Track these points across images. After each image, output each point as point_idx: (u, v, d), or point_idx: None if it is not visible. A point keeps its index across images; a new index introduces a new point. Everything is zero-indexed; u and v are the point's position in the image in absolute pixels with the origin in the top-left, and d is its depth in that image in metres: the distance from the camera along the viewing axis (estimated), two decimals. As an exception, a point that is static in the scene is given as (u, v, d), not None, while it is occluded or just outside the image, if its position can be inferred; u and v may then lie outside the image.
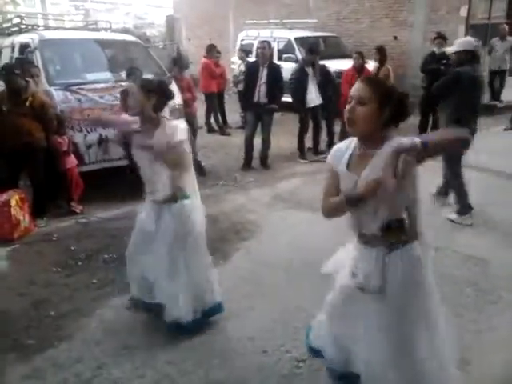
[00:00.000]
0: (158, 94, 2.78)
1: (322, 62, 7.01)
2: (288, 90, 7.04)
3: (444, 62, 7.42)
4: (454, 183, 4.77)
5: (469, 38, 5.12)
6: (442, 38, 7.67)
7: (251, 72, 6.58)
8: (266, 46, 6.45)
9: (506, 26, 10.02)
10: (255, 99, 6.40)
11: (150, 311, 3.04)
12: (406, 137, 1.78)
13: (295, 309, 3.20)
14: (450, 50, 4.96)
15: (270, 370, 2.67)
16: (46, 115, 4.70)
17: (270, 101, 6.39)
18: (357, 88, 1.86)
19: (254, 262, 3.83)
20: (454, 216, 4.64)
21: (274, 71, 6.42)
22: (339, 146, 2.06)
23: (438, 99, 5.40)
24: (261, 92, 6.36)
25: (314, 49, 6.86)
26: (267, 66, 6.40)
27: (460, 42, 4.70)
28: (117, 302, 3.32)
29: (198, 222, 2.87)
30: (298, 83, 6.78)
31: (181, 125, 2.80)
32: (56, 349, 2.85)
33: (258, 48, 6.79)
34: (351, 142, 2.00)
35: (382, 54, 7.22)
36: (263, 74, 6.35)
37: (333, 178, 2.03)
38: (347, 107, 1.87)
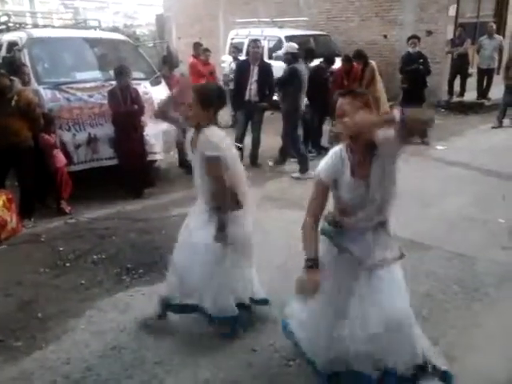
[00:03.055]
0: (217, 106, 2.71)
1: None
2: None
3: (421, 61, 7.50)
4: (294, 148, 6.19)
5: (291, 44, 6.48)
6: (415, 38, 7.74)
7: (242, 70, 6.58)
8: (257, 44, 6.47)
9: (494, 25, 10.12)
10: (246, 98, 6.39)
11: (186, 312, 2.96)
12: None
13: (285, 307, 3.21)
14: (279, 52, 6.67)
15: (258, 368, 2.67)
16: (33, 114, 4.62)
17: (260, 99, 6.39)
18: (341, 104, 2.02)
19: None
20: (297, 174, 6.00)
21: (265, 70, 6.42)
22: (330, 161, 2.12)
23: (282, 89, 6.35)
24: (252, 90, 6.36)
25: (311, 53, 6.92)
26: (258, 64, 6.39)
27: (286, 46, 6.40)
28: (105, 303, 3.30)
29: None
30: (290, 82, 6.77)
31: (224, 138, 2.67)
32: (44, 350, 2.83)
33: (249, 47, 6.79)
34: (338, 152, 2.11)
35: (361, 57, 7.26)
36: (254, 73, 6.35)
37: (322, 195, 2.14)
38: (343, 123, 2.00)
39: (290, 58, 6.12)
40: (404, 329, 2.11)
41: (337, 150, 2.12)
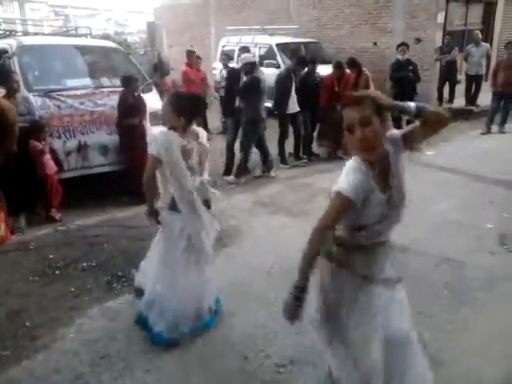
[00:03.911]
0: (189, 114, 2.81)
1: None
2: (269, 95, 7.09)
3: (411, 68, 7.60)
4: (243, 151, 6.31)
5: (247, 55, 6.79)
6: (405, 46, 7.84)
7: (232, 78, 6.61)
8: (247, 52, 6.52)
9: (479, 33, 10.28)
10: (236, 104, 6.42)
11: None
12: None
13: (276, 314, 3.20)
14: (235, 65, 6.70)
15: (250, 375, 2.66)
16: (5, 121, 4.19)
17: None
18: (351, 114, 1.82)
19: (234, 268, 3.82)
20: (231, 178, 6.23)
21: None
22: (357, 179, 1.85)
23: (241, 98, 6.37)
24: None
25: (303, 61, 7.01)
26: None
27: (242, 58, 6.47)
28: (95, 311, 3.28)
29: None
30: (284, 88, 6.83)
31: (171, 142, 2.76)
32: (32, 360, 2.79)
33: (239, 55, 6.86)
34: (359, 168, 1.88)
35: (355, 65, 7.34)
36: (244, 80, 6.37)
37: (345, 215, 1.91)
38: (359, 136, 1.80)
39: (249, 68, 6.15)
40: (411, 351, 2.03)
41: (355, 165, 1.88)
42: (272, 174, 6.50)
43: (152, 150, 2.74)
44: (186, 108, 2.81)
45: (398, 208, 1.96)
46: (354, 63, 7.34)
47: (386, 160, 1.90)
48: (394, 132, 1.94)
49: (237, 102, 6.41)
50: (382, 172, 1.90)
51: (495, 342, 2.85)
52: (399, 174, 1.93)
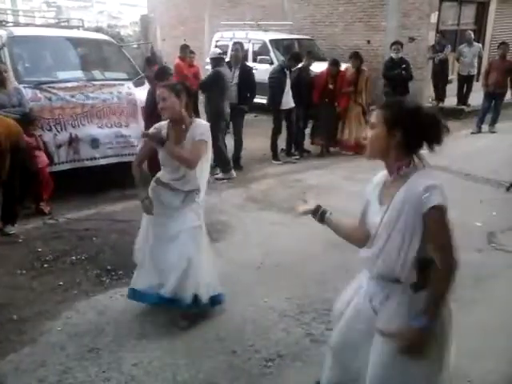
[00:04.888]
0: (186, 93, 2.85)
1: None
2: (262, 91, 7.09)
3: (404, 66, 7.63)
4: (213, 148, 6.25)
5: (214, 49, 7.02)
6: (398, 44, 7.87)
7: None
8: (238, 47, 6.51)
9: (472, 33, 10.35)
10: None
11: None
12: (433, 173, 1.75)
13: (265, 309, 3.22)
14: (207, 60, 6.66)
15: (238, 370, 2.67)
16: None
17: (240, 102, 6.42)
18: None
19: (224, 263, 3.81)
20: (219, 175, 6.10)
21: (246, 73, 6.45)
22: (374, 179, 1.89)
23: (205, 93, 6.45)
24: (232, 93, 6.38)
25: (297, 57, 7.00)
26: (239, 67, 6.42)
27: (210, 52, 6.73)
28: (83, 304, 3.26)
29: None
30: (278, 84, 6.82)
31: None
32: (18, 353, 2.77)
33: (231, 50, 6.83)
34: (383, 174, 1.85)
35: (359, 59, 7.35)
36: (235, 76, 6.38)
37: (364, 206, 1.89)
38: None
39: (214, 63, 6.20)
40: None
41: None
42: (219, 175, 6.15)
43: (206, 137, 2.86)
44: (181, 90, 2.85)
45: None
46: (357, 55, 7.36)
47: (394, 182, 1.76)
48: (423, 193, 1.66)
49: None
50: (389, 188, 1.78)
51: (482, 339, 2.88)
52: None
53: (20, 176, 4.65)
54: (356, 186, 5.08)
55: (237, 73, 6.38)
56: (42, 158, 4.95)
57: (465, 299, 3.34)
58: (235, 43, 6.79)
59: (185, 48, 8.80)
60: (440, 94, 10.44)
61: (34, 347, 2.83)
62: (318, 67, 7.68)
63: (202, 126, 2.91)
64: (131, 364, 2.69)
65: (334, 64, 7.22)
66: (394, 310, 1.77)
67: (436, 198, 1.66)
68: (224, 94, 6.09)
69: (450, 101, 10.41)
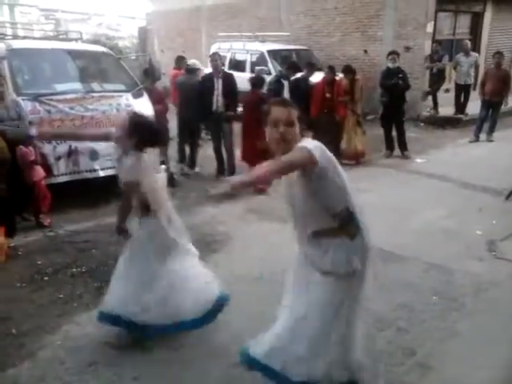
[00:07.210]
0: (140, 135, 2.70)
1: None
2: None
3: (400, 76, 7.69)
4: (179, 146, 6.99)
5: (193, 60, 7.40)
6: (395, 54, 7.93)
7: (206, 84, 6.64)
8: (217, 57, 6.62)
9: (469, 42, 10.44)
10: (213, 109, 6.48)
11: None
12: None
13: (265, 321, 3.19)
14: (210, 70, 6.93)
15: (240, 382, 2.64)
16: None
17: (226, 109, 6.50)
18: (281, 112, 2.12)
19: (223, 274, 3.78)
20: (186, 169, 6.89)
21: (228, 80, 6.54)
22: None
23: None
24: (218, 102, 6.46)
25: (294, 67, 7.09)
26: (221, 76, 6.50)
27: (190, 63, 7.21)
28: (83, 317, 3.24)
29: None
30: (274, 94, 6.85)
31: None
32: (17, 368, 2.75)
33: (210, 61, 6.92)
34: None
35: (351, 71, 7.42)
36: (219, 85, 6.44)
37: None
38: (281, 130, 2.11)
39: (191, 71, 6.84)
40: None
41: None
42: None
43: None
44: (137, 132, 2.73)
45: None
46: (350, 68, 7.43)
47: None
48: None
49: (214, 107, 6.46)
50: None
51: (483, 348, 2.87)
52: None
53: (17, 188, 4.66)
54: (360, 195, 5.07)
55: (220, 82, 6.45)
56: (39, 171, 4.93)
57: (466, 308, 3.34)
58: (213, 54, 6.94)
59: (181, 59, 8.85)
60: (437, 103, 10.53)
61: (33, 361, 2.81)
62: (315, 77, 7.72)
63: None
64: (132, 378, 2.66)
65: (330, 70, 7.30)
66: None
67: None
68: (185, 101, 6.66)
69: (448, 110, 10.48)
